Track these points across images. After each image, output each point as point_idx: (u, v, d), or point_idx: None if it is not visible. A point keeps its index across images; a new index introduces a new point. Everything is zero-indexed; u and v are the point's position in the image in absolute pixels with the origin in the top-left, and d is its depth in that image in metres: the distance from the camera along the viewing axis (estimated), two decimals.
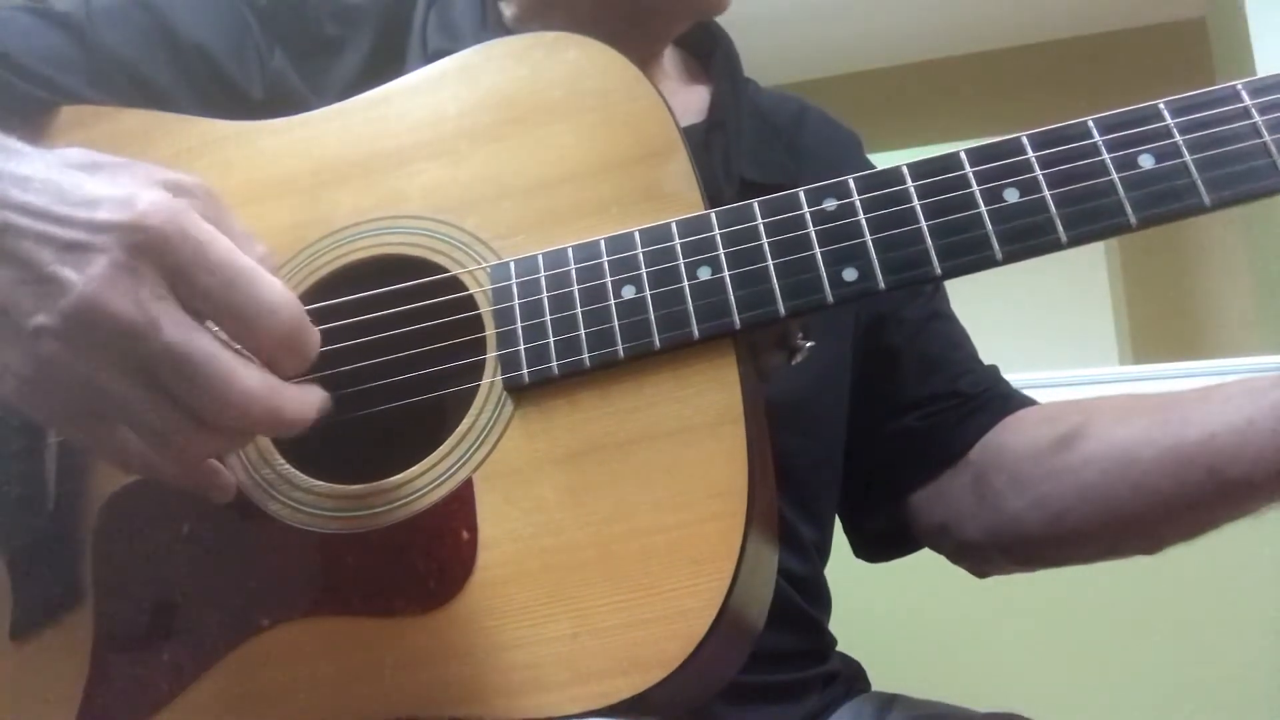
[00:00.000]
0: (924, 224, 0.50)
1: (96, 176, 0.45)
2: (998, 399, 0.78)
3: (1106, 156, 0.49)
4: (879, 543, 0.84)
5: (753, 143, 0.78)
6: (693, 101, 0.80)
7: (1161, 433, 0.64)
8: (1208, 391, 0.64)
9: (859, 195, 0.51)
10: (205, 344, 0.44)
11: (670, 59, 0.84)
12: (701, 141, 0.75)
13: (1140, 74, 3.57)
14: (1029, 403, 0.79)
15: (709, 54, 0.84)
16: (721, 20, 0.81)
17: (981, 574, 0.80)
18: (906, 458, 0.78)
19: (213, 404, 0.44)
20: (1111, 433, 0.68)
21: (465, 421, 0.53)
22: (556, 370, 0.52)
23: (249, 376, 0.44)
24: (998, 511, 0.73)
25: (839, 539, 0.82)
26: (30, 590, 0.56)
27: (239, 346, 0.45)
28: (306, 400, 0.47)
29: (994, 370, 0.83)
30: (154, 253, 0.43)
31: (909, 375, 0.80)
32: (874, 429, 0.80)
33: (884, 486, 0.80)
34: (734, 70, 0.83)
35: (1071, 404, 0.74)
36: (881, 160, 0.80)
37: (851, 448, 0.80)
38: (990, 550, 0.75)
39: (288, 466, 0.54)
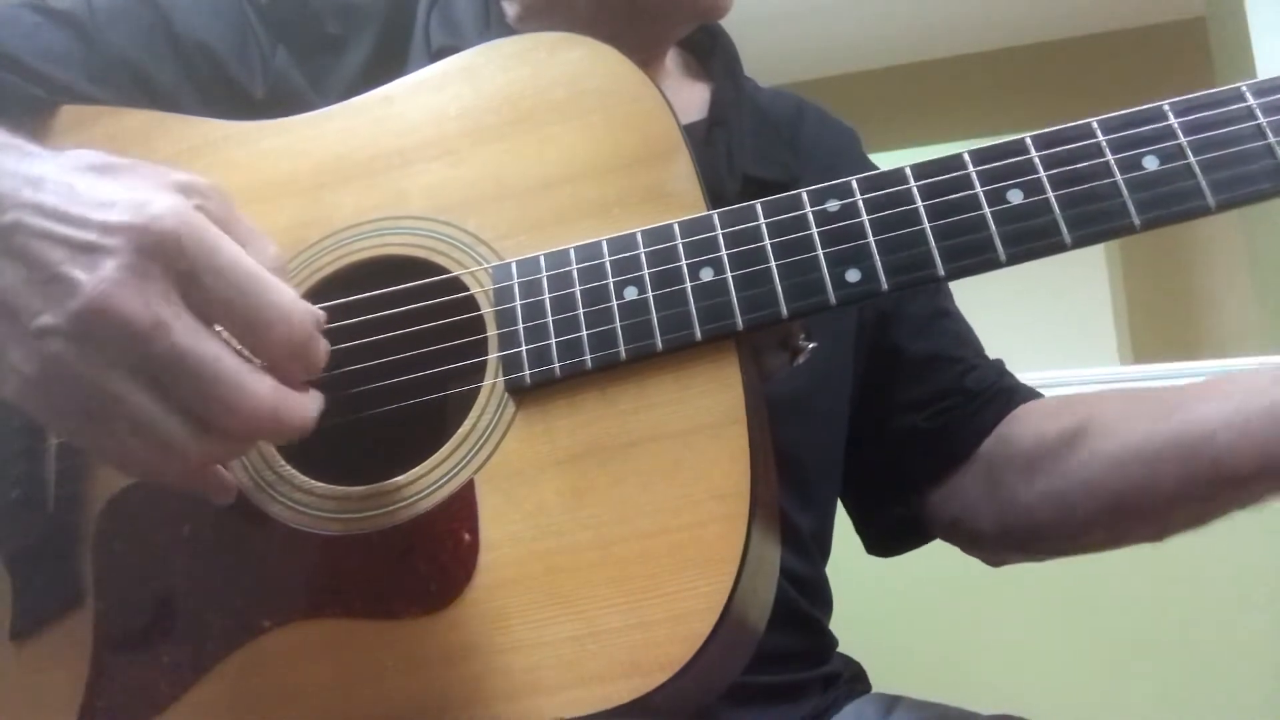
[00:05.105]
0: (927, 225, 0.50)
1: (110, 178, 0.45)
2: (1003, 393, 0.79)
3: (1110, 158, 0.49)
4: (890, 538, 0.84)
5: (754, 139, 0.78)
6: (694, 99, 0.80)
7: (1164, 428, 0.65)
8: (1208, 387, 0.64)
9: (862, 196, 0.51)
10: (211, 348, 0.43)
11: (671, 57, 0.84)
12: (704, 138, 0.75)
13: (1140, 74, 3.57)
14: (1034, 395, 0.80)
15: (708, 52, 0.84)
16: (721, 19, 0.81)
17: (996, 563, 0.80)
18: (916, 457, 0.79)
19: (216, 409, 0.43)
20: (1115, 429, 0.68)
21: (467, 423, 0.52)
22: (558, 371, 0.52)
23: (255, 382, 0.44)
24: (1010, 504, 0.74)
25: (840, 541, 0.82)
26: (31, 591, 0.55)
27: (246, 352, 0.45)
28: (309, 406, 0.46)
29: (999, 364, 0.83)
30: (165, 256, 0.42)
31: (915, 373, 0.80)
32: (881, 426, 0.80)
33: (894, 484, 0.81)
34: (733, 68, 0.83)
35: (1075, 399, 0.75)
36: (881, 160, 0.80)
37: (859, 443, 0.81)
38: (1002, 541, 0.76)
39: (289, 468, 0.54)
